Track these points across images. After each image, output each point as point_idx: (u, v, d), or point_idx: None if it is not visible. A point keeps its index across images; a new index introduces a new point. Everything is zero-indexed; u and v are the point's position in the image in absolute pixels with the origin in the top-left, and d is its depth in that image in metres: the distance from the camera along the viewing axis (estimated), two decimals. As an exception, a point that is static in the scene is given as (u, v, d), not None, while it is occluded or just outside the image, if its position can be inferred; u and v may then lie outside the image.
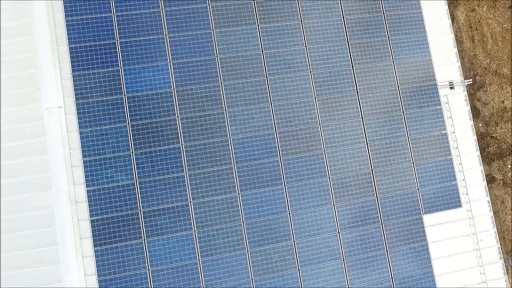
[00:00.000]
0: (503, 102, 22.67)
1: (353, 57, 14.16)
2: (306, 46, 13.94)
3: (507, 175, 22.28)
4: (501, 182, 22.44)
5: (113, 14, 13.16)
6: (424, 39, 14.64)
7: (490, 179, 22.43)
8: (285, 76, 13.70)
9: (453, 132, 14.64)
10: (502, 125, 22.62)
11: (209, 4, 13.58)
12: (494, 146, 22.71)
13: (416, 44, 14.53)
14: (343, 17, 14.26)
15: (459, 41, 23.24)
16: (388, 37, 14.43)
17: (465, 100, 14.99)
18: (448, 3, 23.37)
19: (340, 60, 14.04)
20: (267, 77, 13.62)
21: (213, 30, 13.50)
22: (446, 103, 14.75)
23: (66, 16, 13.01)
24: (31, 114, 12.86)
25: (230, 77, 13.40)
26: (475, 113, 22.58)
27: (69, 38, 12.94)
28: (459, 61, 15.28)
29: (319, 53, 13.96)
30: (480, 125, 22.56)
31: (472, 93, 22.90)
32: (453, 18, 23.26)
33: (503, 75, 22.96)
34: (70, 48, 12.87)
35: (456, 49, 15.26)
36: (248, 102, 13.39)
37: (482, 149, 22.54)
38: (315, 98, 13.79)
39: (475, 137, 14.90)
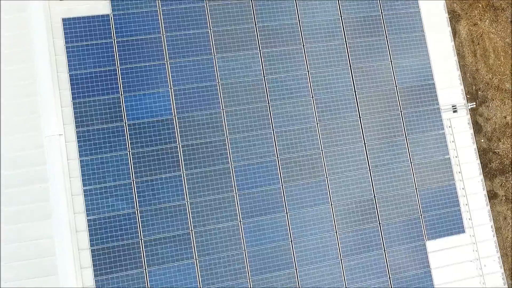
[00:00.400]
0: (505, 117, 22.55)
1: (356, 81, 14.04)
2: (308, 71, 13.83)
3: (509, 191, 22.16)
4: (504, 198, 22.32)
5: (114, 40, 13.04)
6: (427, 62, 14.52)
7: (492, 195, 22.32)
8: (287, 101, 13.59)
9: (456, 157, 14.53)
10: (504, 140, 22.50)
11: (210, 29, 13.45)
12: (497, 162, 22.60)
13: (419, 67, 14.41)
14: (346, 41, 14.15)
15: (461, 56, 23.13)
16: (391, 60, 14.32)
17: (468, 123, 14.88)
18: (450, 17, 23.26)
19: (343, 85, 13.92)
20: (268, 103, 13.51)
21: (214, 55, 13.39)
22: (449, 126, 14.63)
23: (66, 42, 12.90)
24: (31, 141, 12.75)
25: (231, 103, 13.29)
26: (477, 128, 22.46)
27: (69, 65, 12.83)
28: (462, 83, 15.15)
29: (321, 78, 13.84)
30: (482, 140, 22.44)
31: (474, 108, 22.78)
32: (455, 32, 23.16)
33: (506, 90, 22.84)
34: (70, 75, 12.76)
35: (459, 72, 15.14)
36: (249, 129, 13.28)
37: (484, 164, 22.43)
38: (317, 123, 13.68)
39: (478, 161, 14.79)
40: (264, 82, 13.53)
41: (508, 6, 23.64)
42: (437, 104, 14.46)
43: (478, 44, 23.36)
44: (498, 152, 22.57)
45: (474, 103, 16.78)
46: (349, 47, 14.15)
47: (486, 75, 23.24)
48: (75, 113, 12.67)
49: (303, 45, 13.88)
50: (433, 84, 14.47)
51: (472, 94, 22.85)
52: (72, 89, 12.70)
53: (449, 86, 14.87)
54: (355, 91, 14.00)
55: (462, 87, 15.06)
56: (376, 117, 14.01)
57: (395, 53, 14.35)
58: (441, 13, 15.24)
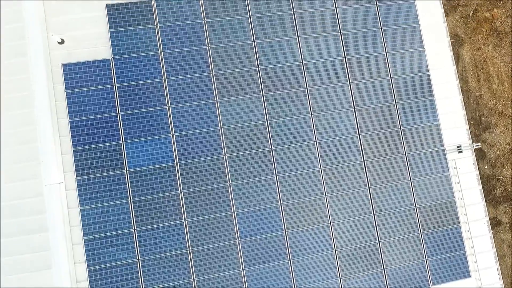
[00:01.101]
0: (509, 144, 22.37)
1: (360, 123, 13.86)
2: (311, 114, 13.65)
3: (513, 218, 21.98)
4: (507, 225, 22.16)
5: (115, 85, 12.86)
6: (432, 103, 14.34)
7: (496, 223, 22.15)
8: (290, 146, 13.40)
9: (461, 198, 14.34)
10: (508, 167, 22.33)
11: (212, 73, 13.27)
12: (500, 189, 22.43)
13: (424, 108, 14.23)
14: (349, 82, 13.96)
15: (464, 81, 22.95)
16: (396, 103, 14.13)
17: (474, 164, 14.69)
18: (453, 41, 23.08)
19: (346, 128, 13.74)
20: (271, 148, 13.32)
21: (216, 99, 13.21)
22: (454, 168, 14.45)
23: (67, 88, 12.72)
24: (30, 189, 12.57)
25: (234, 148, 13.11)
26: (481, 155, 22.28)
27: (69, 112, 12.65)
28: (467, 123, 14.97)
29: (325, 121, 13.66)
30: (486, 167, 22.28)
31: (478, 134, 22.62)
32: (458, 57, 22.98)
33: (509, 116, 22.67)
34: (70, 122, 12.58)
35: (464, 111, 14.94)
36: (252, 175, 13.10)
37: (488, 191, 22.26)
38: (320, 168, 13.50)
39: (483, 202, 14.61)
40: (267, 126, 13.35)
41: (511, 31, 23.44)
42: (442, 145, 14.27)
43: (482, 69, 23.20)
44: (502, 179, 22.40)
45: (480, 143, 16.61)
46: (353, 88, 13.96)
47: (490, 100, 23.08)
48: (75, 161, 12.48)
49: (307, 87, 13.69)
50: (438, 125, 14.28)
51: (475, 120, 22.70)
52: (72, 136, 12.52)
53: (454, 126, 14.68)
54: (359, 134, 13.81)
55: (467, 126, 14.87)
56: (380, 160, 13.83)
57: (400, 94, 14.16)
58: (446, 51, 15.05)
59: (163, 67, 13.09)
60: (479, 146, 15.04)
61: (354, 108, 13.92)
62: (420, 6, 14.84)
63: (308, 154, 13.47)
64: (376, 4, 14.38)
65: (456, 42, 22.96)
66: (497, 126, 22.84)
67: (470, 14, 23.21)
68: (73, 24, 13.19)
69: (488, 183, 22.31)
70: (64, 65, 12.75)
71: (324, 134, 13.63)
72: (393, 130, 14.04)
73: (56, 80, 12.90)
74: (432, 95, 14.40)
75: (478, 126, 22.69)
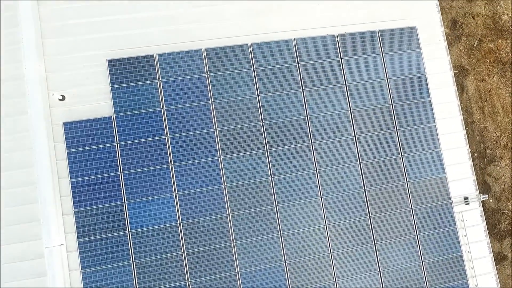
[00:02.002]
0: (514, 177, 22.15)
1: (365, 178, 13.64)
2: (316, 170, 13.43)
3: (518, 253, 21.79)
4: (513, 260, 21.95)
5: (117, 143, 12.65)
6: (439, 155, 14.11)
7: (501, 257, 21.96)
8: (295, 203, 13.19)
9: (468, 252, 14.13)
10: (513, 201, 22.11)
11: (216, 129, 13.05)
12: (506, 223, 22.22)
13: (431, 161, 14.01)
14: (355, 135, 13.74)
15: (468, 112, 22.72)
16: (401, 155, 13.91)
17: (481, 215, 14.47)
18: (457, 72, 22.84)
19: (352, 182, 13.52)
20: (276, 205, 13.11)
21: (220, 157, 12.99)
22: (461, 220, 14.23)
23: (68, 147, 12.50)
24: (31, 251, 12.36)
25: (238, 207, 12.90)
26: (486, 188, 22.07)
27: (70, 172, 12.43)
28: (474, 174, 14.75)
29: (330, 176, 13.44)
30: (491, 201, 22.05)
31: (483, 167, 22.40)
32: (462, 88, 22.76)
33: (515, 149, 22.44)
34: (71, 183, 12.36)
35: (471, 162, 14.72)
36: (256, 233, 12.89)
37: (493, 225, 22.04)
38: (326, 225, 13.29)
39: (491, 255, 14.39)
40: (271, 183, 13.13)
41: (516, 62, 23.22)
42: (449, 198, 14.05)
43: (486, 100, 22.98)
44: (507, 213, 22.19)
45: (487, 195, 16.39)
46: (358, 141, 13.74)
47: (495, 132, 22.86)
48: (76, 222, 12.27)
49: (311, 142, 13.47)
50: (445, 177, 14.06)
51: (480, 152, 22.47)
52: (74, 197, 12.30)
53: (460, 177, 14.46)
54: (364, 189, 13.60)
55: (474, 177, 14.65)
56: (386, 215, 13.61)
57: (406, 146, 13.94)
58: (453, 100, 14.82)
59: (165, 124, 12.87)
60: (486, 198, 14.82)
61: (360, 162, 13.70)
62: (426, 57, 14.62)
63: (313, 211, 13.25)
64: (382, 54, 14.16)
65: (461, 73, 22.73)
66: (502, 159, 22.62)
67: (475, 45, 22.99)
68: (74, 80, 12.97)
69: (493, 217, 22.10)
70: (65, 124, 12.53)
71: (329, 190, 13.42)
72: (399, 184, 13.82)
73: (57, 139, 12.68)
74: (439, 147, 14.19)
75: (483, 159, 22.47)
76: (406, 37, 14.43)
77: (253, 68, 13.48)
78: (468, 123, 22.15)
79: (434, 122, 14.29)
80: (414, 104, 14.17)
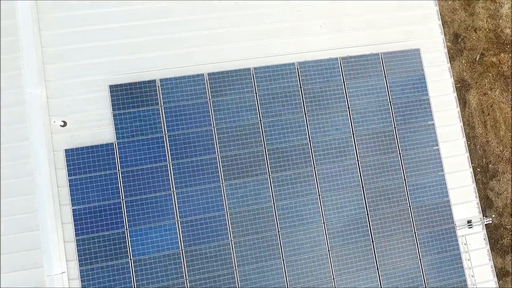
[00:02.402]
0: (517, 192, 22.08)
1: (368, 203, 13.57)
2: (319, 195, 13.35)
3: (521, 269, 21.73)
4: (515, 275, 21.89)
5: (118, 170, 12.57)
6: (442, 179, 14.04)
7: (503, 273, 21.90)
8: (298, 228, 13.12)
9: (472, 276, 14.06)
10: (516, 216, 22.04)
11: (218, 155, 12.97)
12: (508, 238, 22.16)
13: (434, 185, 13.93)
14: (358, 160, 13.66)
15: (471, 127, 22.65)
16: (405, 179, 13.83)
17: (485, 239, 14.40)
18: (459, 86, 22.76)
19: (355, 208, 13.45)
20: (278, 231, 13.03)
21: (222, 183, 12.92)
22: (465, 244, 14.15)
23: (69, 175, 12.42)
24: (32, 280, 12.29)
25: (240, 233, 12.82)
26: (488, 203, 22.00)
27: (72, 200, 12.36)
28: (478, 197, 14.67)
29: (332, 201, 13.37)
30: (493, 216, 21.98)
31: (485, 182, 22.32)
32: (464, 102, 22.70)
33: (517, 164, 22.37)
34: (73, 211, 12.29)
35: (474, 184, 14.64)
36: (259, 260, 12.81)
37: (496, 241, 21.98)
38: (328, 251, 13.21)
39: (495, 278, 14.31)
40: (274, 209, 13.06)
41: (519, 76, 23.14)
42: (452, 222, 13.98)
43: (489, 114, 22.91)
44: (510, 228, 22.12)
45: (491, 218, 16.33)
46: (361, 166, 13.66)
47: (497, 147, 22.79)
48: (78, 250, 12.20)
49: (314, 167, 13.39)
50: (448, 201, 13.99)
51: (482, 167, 22.40)
52: (75, 225, 12.23)
53: (464, 200, 14.40)
54: (367, 214, 13.52)
55: (477, 200, 14.57)
56: (389, 240, 13.54)
57: (409, 170, 13.87)
58: (456, 123, 14.75)
59: (167, 150, 12.79)
60: (490, 221, 14.73)
61: (362, 187, 13.62)
62: (429, 79, 14.55)
63: (315, 236, 13.18)
64: (385, 77, 14.09)
65: (463, 87, 22.67)
66: (504, 173, 22.54)
67: (477, 59, 22.92)
68: (76, 106, 12.89)
69: (495, 232, 22.04)
70: (66, 151, 12.46)
71: (332, 215, 13.34)
72: (402, 209, 13.75)
73: (58, 165, 12.60)
74: (442, 171, 14.11)
75: (485, 174, 22.39)
76: (409, 59, 14.35)
77: (255, 93, 13.40)
78: (470, 138, 22.07)
79: (437, 145, 14.21)
80: (417, 128, 14.09)
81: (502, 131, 22.77)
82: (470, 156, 16.81)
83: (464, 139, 14.82)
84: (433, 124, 14.26)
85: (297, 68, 13.74)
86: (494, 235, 21.75)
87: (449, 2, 23.20)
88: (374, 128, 13.87)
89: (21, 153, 12.59)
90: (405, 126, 14.03)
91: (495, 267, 21.13)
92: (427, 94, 14.29)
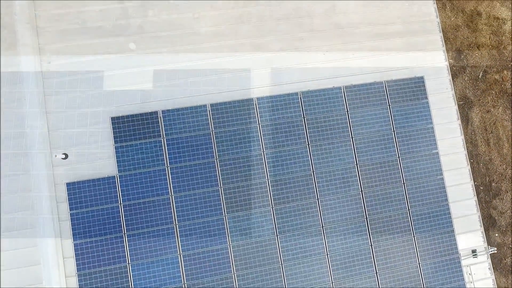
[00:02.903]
0: (520, 211, 21.98)
1: (372, 234, 13.46)
2: (322, 227, 13.24)
3: (524, 288, 21.62)
4: (519, 295, 21.78)
5: (120, 204, 12.46)
6: (446, 209, 13.93)
7: (507, 293, 21.77)
8: (301, 261, 13.01)
9: (476, 306, 13.97)
10: (519, 235, 21.93)
11: (221, 187, 12.86)
12: (511, 258, 22.06)
13: (438, 214, 13.82)
14: (361, 190, 13.55)
15: (473, 144, 22.52)
16: (409, 209, 13.72)
17: (489, 268, 14.28)
18: (462, 103, 22.65)
19: (359, 239, 13.34)
20: (282, 264, 12.93)
21: (225, 215, 12.81)
22: (469, 274, 14.04)
23: (71, 209, 12.32)
24: (34, 315, 12.19)
25: (243, 266, 12.71)
26: (491, 222, 21.88)
27: (73, 234, 12.25)
28: (482, 226, 14.55)
29: (335, 233, 13.26)
30: (496, 235, 21.86)
31: (488, 200, 22.20)
32: (467, 119, 22.59)
33: (520, 182, 22.27)
34: (75, 245, 12.18)
35: (479, 213, 14.53)
36: (262, 293, 12.72)
37: (499, 260, 21.87)
38: (332, 283, 13.10)
39: (499, 309, 14.19)
40: (277, 241, 12.95)
41: (522, 93, 23.03)
42: (457, 252, 13.87)
43: (492, 132, 22.78)
44: (513, 248, 22.01)
45: (495, 248, 16.21)
46: (365, 196, 13.55)
47: (500, 165, 22.67)
48: (80, 286, 12.08)
49: (318, 198, 13.28)
50: (453, 230, 13.88)
51: (485, 186, 22.27)
52: (77, 260, 12.12)
53: (468, 230, 14.29)
54: (371, 245, 13.41)
55: (482, 229, 14.46)
56: (393, 271, 13.42)
57: (413, 200, 13.75)
58: (460, 151, 14.64)
59: (169, 182, 12.68)
60: (495, 251, 14.63)
61: (366, 218, 13.51)
62: (433, 106, 14.44)
63: (319, 268, 13.07)
64: (389, 106, 13.98)
65: (465, 104, 22.54)
66: (507, 192, 22.42)
67: (480, 76, 22.80)
68: (77, 138, 12.79)
69: (498, 251, 21.91)
70: (68, 185, 12.35)
71: (335, 247, 13.23)
72: (406, 239, 13.64)
73: (60, 199, 12.49)
74: (447, 200, 14.00)
75: (488, 192, 22.26)
76: (413, 88, 14.24)
77: (258, 124, 13.29)
78: (473, 156, 21.95)
79: (441, 174, 14.09)
80: (422, 157, 13.97)
81: (505, 149, 22.64)
82: (472, 174, 16.72)
83: (469, 167, 14.71)
84: (437, 153, 14.15)
85: (300, 98, 13.63)
86: (497, 254, 21.62)
87: (452, 19, 23.09)
88: (378, 158, 13.75)
89: (22, 187, 12.47)
90: (409, 156, 13.91)
91: (498, 287, 21.02)
92: (431, 123, 14.18)
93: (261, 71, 13.82)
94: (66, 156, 12.66)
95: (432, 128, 14.21)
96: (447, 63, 15.07)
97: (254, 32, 13.88)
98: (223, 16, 13.75)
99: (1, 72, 12.76)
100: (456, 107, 14.91)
